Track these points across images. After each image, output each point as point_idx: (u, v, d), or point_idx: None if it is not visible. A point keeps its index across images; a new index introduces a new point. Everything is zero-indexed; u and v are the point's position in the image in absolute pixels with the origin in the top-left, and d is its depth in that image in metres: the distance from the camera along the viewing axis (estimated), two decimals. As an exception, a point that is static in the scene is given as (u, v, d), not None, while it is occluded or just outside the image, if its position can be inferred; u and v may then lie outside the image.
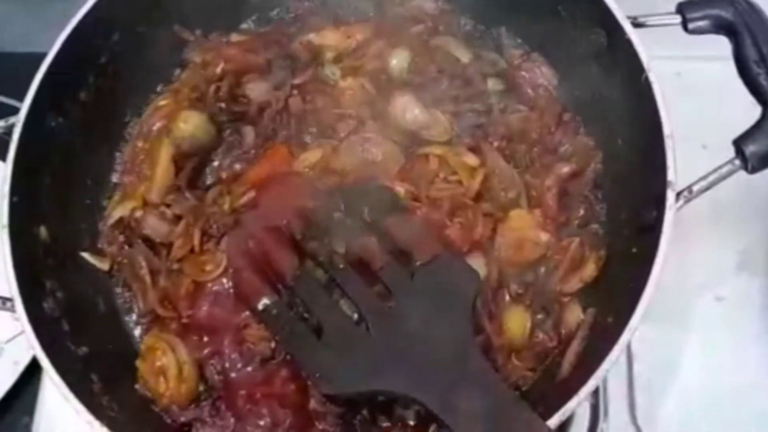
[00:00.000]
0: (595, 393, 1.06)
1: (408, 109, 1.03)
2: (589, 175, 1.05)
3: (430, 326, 0.86)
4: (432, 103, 1.05)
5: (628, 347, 1.10)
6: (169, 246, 1.02)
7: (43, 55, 1.00)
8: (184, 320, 0.99)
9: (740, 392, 1.08)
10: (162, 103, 1.10)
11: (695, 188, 0.87)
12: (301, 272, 0.93)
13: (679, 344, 1.11)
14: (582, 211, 1.04)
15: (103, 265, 1.05)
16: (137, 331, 1.04)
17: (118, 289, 1.06)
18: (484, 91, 1.08)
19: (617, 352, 0.83)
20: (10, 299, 0.90)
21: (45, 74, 0.99)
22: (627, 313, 0.84)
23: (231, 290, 0.98)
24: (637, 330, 0.83)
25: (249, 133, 1.09)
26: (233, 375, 0.96)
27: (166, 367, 0.95)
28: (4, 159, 0.96)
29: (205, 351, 0.97)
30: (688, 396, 1.09)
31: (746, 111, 0.89)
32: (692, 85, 1.21)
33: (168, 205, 1.04)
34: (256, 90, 1.10)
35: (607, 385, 1.07)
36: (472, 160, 1.02)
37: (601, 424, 1.05)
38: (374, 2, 1.17)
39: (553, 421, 0.81)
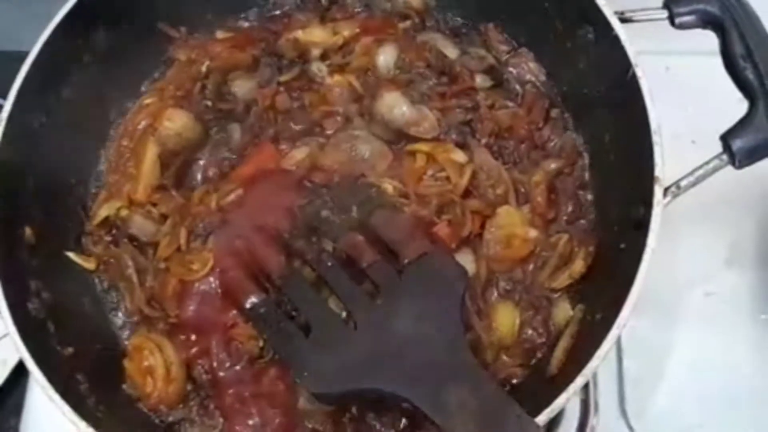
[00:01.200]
0: (585, 388, 1.05)
1: (395, 106, 1.02)
2: (578, 171, 1.06)
3: (418, 324, 0.85)
4: (419, 99, 1.05)
5: (618, 342, 1.10)
6: (156, 245, 1.02)
7: (25, 54, 0.99)
8: (172, 320, 0.98)
9: (729, 386, 1.08)
10: (147, 101, 1.10)
11: (683, 184, 0.87)
12: (288, 270, 0.93)
13: (669, 339, 1.12)
14: (570, 207, 1.04)
15: (89, 265, 1.04)
16: (124, 331, 1.04)
17: (105, 289, 1.05)
18: (471, 88, 1.07)
19: (606, 348, 0.83)
20: (-6, 300, 0.89)
21: (28, 73, 0.98)
22: (616, 309, 0.84)
23: (218, 289, 0.97)
24: (627, 325, 0.83)
25: (235, 131, 1.08)
26: (221, 374, 0.95)
27: (153, 367, 0.95)
28: (-14, 159, 0.96)
29: (193, 350, 0.97)
30: (677, 390, 1.09)
31: (736, 105, 0.89)
32: (682, 79, 1.21)
33: (154, 204, 1.03)
34: (242, 87, 1.10)
35: (597, 380, 1.07)
36: (460, 156, 1.01)
37: (592, 419, 1.05)
38: (360, -2, 1.17)
39: (542, 418, 0.81)
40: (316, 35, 1.12)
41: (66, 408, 0.84)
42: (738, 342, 1.11)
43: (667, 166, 0.87)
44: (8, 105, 0.97)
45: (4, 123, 0.96)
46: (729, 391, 1.08)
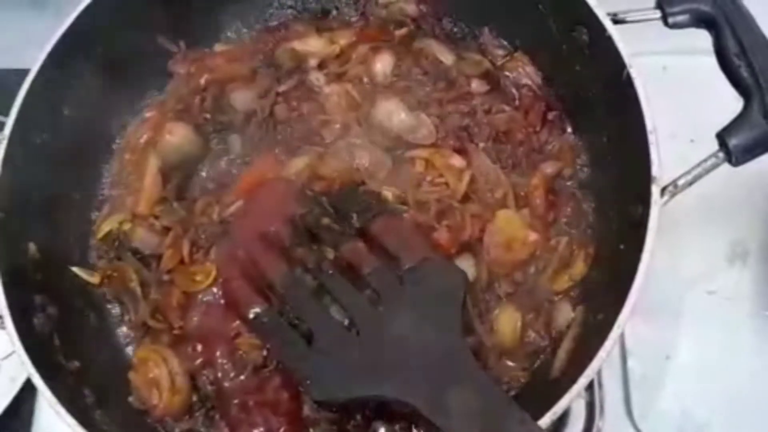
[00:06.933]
0: (591, 390, 1.05)
1: (393, 113, 1.03)
2: (576, 173, 1.06)
3: (420, 329, 0.85)
4: (417, 106, 1.05)
5: (622, 344, 1.10)
6: (159, 258, 1.02)
7: (26, 71, 1.00)
8: (176, 331, 0.99)
9: (734, 384, 1.08)
10: (148, 115, 1.11)
11: (680, 183, 0.87)
12: (290, 279, 0.93)
13: (673, 339, 1.11)
14: (569, 210, 1.04)
15: (94, 279, 1.04)
16: (129, 344, 1.04)
17: (109, 303, 1.05)
18: (468, 93, 1.08)
19: (608, 347, 0.83)
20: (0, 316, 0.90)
21: (29, 89, 0.99)
22: (616, 309, 0.83)
23: (221, 300, 0.98)
24: (631, 326, 0.84)
25: (236, 142, 1.09)
26: (226, 384, 0.96)
27: (158, 378, 0.95)
28: (-11, 176, 0.97)
29: (198, 361, 0.97)
30: (683, 390, 1.09)
31: (734, 104, 0.89)
32: (679, 79, 1.21)
33: (156, 217, 1.03)
34: (241, 99, 1.10)
35: (602, 382, 1.07)
36: (458, 161, 1.02)
37: (597, 422, 1.05)
38: (356, 7, 1.17)
39: (545, 421, 0.80)
40: (313, 45, 1.13)
41: (72, 421, 0.84)
42: (742, 340, 1.11)
43: (666, 165, 0.87)
44: (10, 122, 0.97)
45: (6, 140, 0.97)
46: (734, 389, 1.08)
